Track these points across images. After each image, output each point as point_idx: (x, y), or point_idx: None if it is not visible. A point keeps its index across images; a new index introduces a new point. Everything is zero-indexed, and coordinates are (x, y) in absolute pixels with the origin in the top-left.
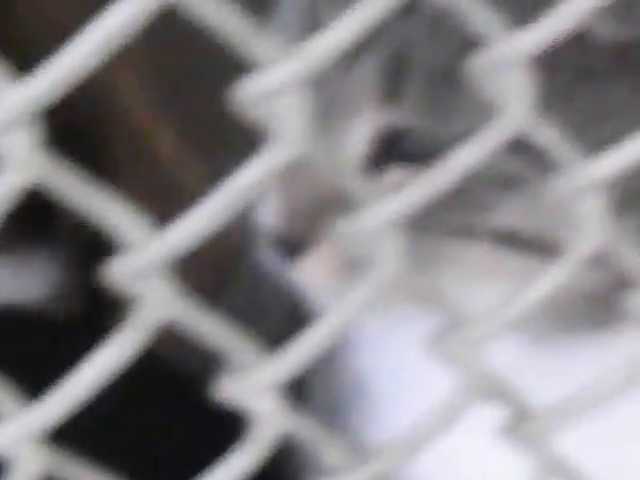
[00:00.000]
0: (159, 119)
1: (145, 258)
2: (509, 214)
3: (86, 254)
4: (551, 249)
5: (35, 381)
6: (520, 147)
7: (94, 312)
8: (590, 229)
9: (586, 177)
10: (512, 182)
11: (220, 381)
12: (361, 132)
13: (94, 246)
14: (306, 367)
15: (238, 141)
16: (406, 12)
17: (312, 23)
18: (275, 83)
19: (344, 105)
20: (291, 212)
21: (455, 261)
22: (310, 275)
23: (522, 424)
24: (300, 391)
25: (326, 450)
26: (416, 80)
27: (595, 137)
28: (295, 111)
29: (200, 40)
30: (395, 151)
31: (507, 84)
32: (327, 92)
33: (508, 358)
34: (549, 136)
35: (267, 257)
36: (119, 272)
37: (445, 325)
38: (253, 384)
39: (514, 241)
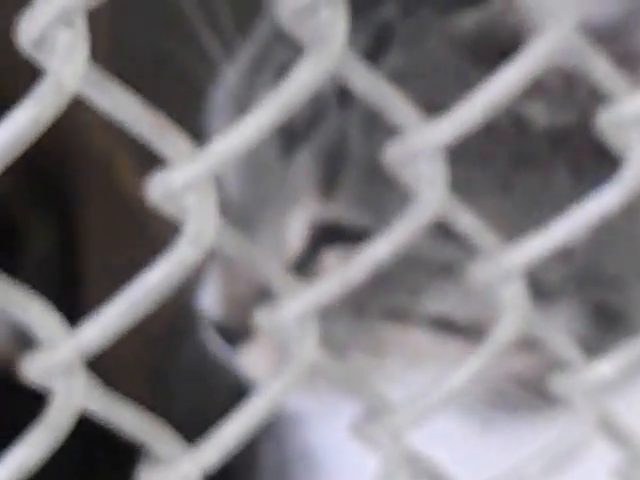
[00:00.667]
0: (125, 154)
1: (55, 357)
2: (443, 300)
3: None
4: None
5: None
6: (452, 234)
7: None
8: (510, 315)
9: (505, 263)
10: (446, 268)
11: (142, 473)
12: (298, 224)
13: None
14: (229, 456)
15: None
16: (341, 104)
17: (247, 103)
18: (180, 181)
19: (282, 197)
20: (230, 300)
21: (394, 345)
22: (251, 362)
23: None
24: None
25: None
26: (351, 175)
27: (537, 223)
28: (200, 208)
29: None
30: (331, 238)
31: (421, 172)
32: (265, 183)
33: (446, 441)
34: (468, 222)
35: (211, 341)
36: (32, 369)
37: (366, 412)
38: (173, 477)
39: (449, 326)
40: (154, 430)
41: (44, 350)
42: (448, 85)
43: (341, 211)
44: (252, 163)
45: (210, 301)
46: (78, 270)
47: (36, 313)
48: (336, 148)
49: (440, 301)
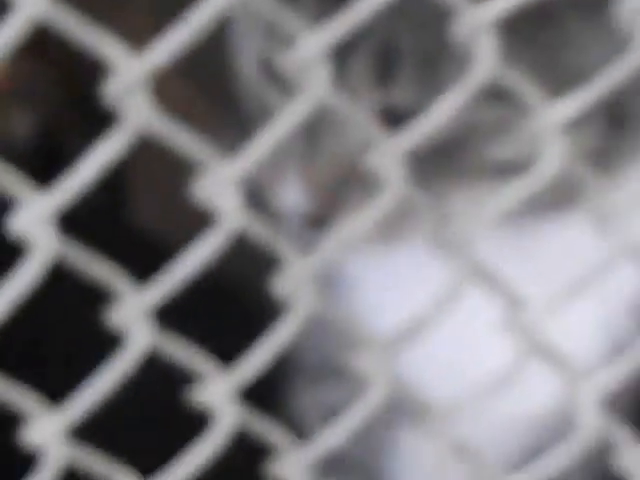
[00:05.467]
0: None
1: (126, 76)
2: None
3: None
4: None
5: None
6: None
7: None
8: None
9: None
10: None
11: (190, 183)
12: None
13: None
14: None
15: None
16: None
17: None
18: None
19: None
20: (316, 191)
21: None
22: None
23: None
24: None
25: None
26: (406, 64)
27: (561, 71)
28: None
29: None
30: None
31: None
32: None
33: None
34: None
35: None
36: (107, 92)
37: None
38: (214, 180)
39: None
40: (200, 143)
41: (114, 73)
42: None
43: (398, 95)
44: None
45: (295, 196)
46: (121, 184)
47: (106, 41)
48: (388, 47)
49: (501, 151)
